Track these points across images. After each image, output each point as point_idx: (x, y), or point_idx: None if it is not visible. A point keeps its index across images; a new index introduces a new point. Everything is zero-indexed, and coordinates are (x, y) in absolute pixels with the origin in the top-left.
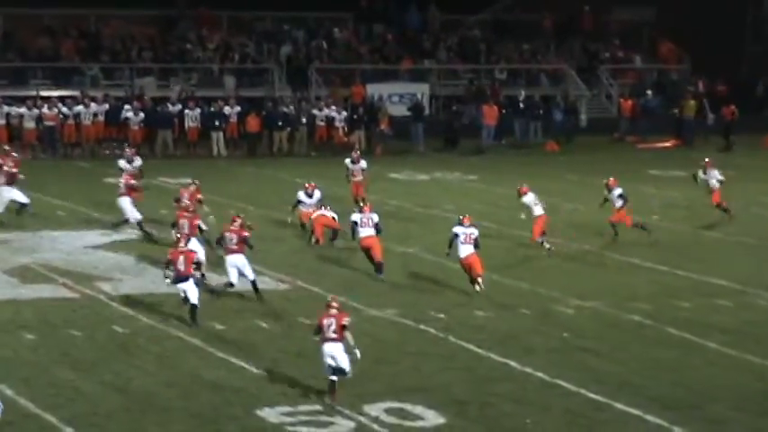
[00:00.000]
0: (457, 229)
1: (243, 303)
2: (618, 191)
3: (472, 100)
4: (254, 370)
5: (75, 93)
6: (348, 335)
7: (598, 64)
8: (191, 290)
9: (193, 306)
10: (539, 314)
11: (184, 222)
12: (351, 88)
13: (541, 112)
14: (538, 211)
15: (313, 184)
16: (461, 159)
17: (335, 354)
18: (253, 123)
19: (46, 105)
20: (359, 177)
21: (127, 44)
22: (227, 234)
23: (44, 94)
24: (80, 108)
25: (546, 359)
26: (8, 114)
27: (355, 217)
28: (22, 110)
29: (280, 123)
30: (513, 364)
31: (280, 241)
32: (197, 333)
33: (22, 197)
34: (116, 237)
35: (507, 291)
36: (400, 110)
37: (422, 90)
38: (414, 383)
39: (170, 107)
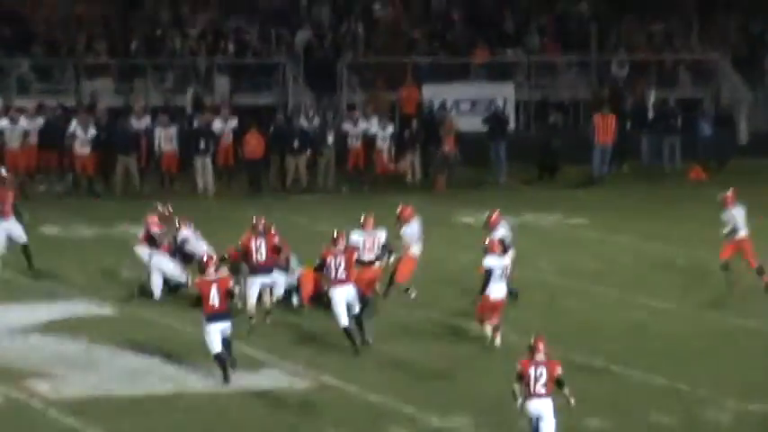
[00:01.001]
0: (491, 262)
1: (241, 405)
2: (499, 232)
3: (600, 107)
4: None
5: None
6: (566, 391)
7: (765, 53)
8: (225, 332)
9: (223, 354)
10: (680, 421)
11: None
12: (400, 92)
13: (680, 123)
14: (414, 250)
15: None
16: (563, 194)
17: (544, 414)
18: (255, 145)
19: None
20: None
21: (70, 30)
22: (332, 258)
23: None
24: (3, 124)
25: None
26: None
27: (356, 238)
28: None
29: (295, 145)
30: None
31: (296, 314)
32: None
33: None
34: (56, 314)
35: (634, 387)
36: (472, 123)
37: (504, 93)
38: None
39: (133, 122)
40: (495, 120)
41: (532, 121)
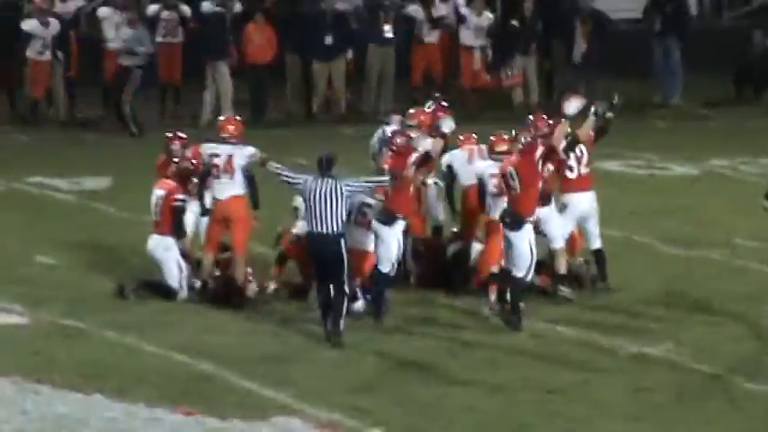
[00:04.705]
0: (482, 168)
1: None
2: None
3: None
4: None
5: None
6: None
7: None
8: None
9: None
10: None
11: None
12: None
13: None
14: None
15: None
16: None
17: None
18: (261, 42)
19: None
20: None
21: None
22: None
23: None
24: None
25: None
26: None
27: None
28: None
29: (328, 41)
30: None
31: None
32: None
33: None
34: None
35: None
36: (624, 6)
37: None
38: None
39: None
40: (666, 3)
41: (726, 5)
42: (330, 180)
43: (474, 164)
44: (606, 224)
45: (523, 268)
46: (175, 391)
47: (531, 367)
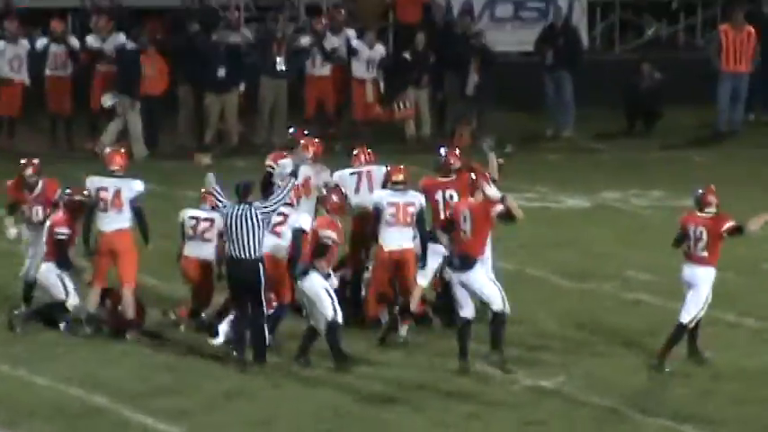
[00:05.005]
0: (380, 197)
1: None
2: None
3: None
4: None
5: None
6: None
7: None
8: None
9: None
10: None
11: None
12: None
13: None
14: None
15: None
16: (667, 158)
17: (693, 283)
18: (154, 74)
19: None
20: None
21: None
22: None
23: None
24: None
25: None
26: None
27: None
28: None
29: (220, 74)
30: None
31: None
32: None
33: None
34: None
35: None
36: (517, 40)
37: None
38: None
39: None
40: (557, 36)
41: (618, 37)
42: (247, 207)
43: (366, 188)
44: (499, 257)
45: (497, 300)
46: (67, 424)
47: (423, 399)
